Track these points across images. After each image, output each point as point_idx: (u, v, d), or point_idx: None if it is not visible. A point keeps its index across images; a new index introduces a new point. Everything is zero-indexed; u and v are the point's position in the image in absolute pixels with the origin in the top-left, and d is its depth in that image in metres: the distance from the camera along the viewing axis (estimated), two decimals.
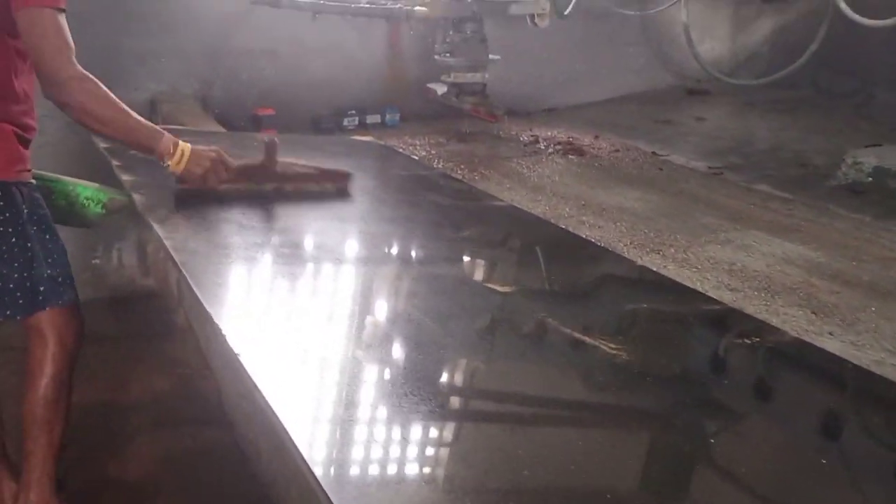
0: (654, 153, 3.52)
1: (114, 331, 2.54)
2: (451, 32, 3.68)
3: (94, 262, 2.76)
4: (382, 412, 1.17)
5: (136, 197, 1.88)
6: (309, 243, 2.04)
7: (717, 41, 4.97)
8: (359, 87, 4.00)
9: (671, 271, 2.11)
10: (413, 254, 1.97)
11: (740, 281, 2.05)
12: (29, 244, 1.49)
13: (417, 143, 3.56)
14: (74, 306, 1.59)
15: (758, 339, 1.57)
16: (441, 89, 3.71)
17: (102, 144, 2.23)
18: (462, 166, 3.14)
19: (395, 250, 1.98)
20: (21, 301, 1.49)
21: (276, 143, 1.89)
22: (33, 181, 1.54)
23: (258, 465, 1.94)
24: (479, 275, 1.94)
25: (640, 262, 2.16)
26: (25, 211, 1.49)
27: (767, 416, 1.30)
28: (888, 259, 2.23)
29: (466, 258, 2.10)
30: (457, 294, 1.76)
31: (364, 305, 1.73)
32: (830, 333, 1.74)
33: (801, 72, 4.30)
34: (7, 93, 1.48)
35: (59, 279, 1.55)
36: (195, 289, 1.52)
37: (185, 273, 1.62)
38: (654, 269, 2.07)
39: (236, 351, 1.22)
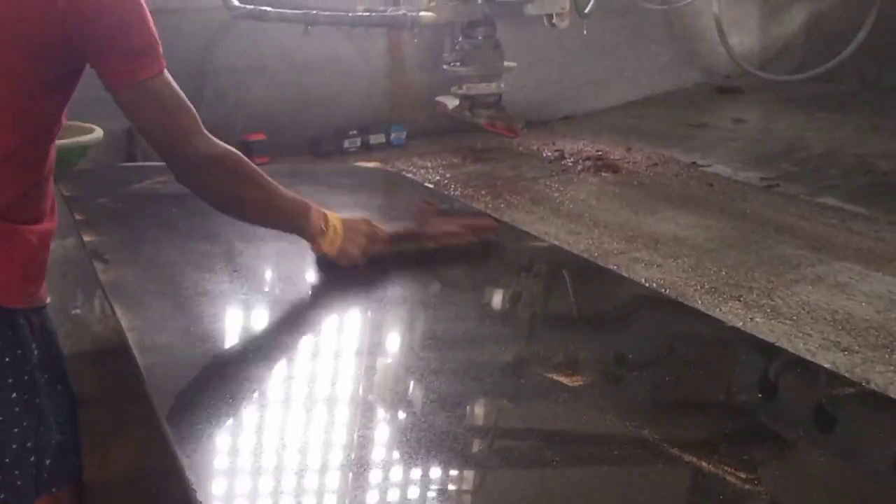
0: (694, 164, 3.11)
1: (97, 391, 2.18)
2: (460, 39, 3.28)
3: (73, 311, 2.45)
4: None
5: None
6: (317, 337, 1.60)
7: (747, 34, 4.56)
8: (359, 104, 3.60)
9: (761, 326, 1.70)
10: (441, 333, 1.53)
11: (850, 336, 1.65)
12: (37, 400, 1.11)
13: (429, 164, 3.16)
14: (79, 483, 1.23)
15: None
16: (452, 103, 3.30)
17: (66, 193, 1.88)
18: (483, 192, 2.74)
19: (412, 329, 1.54)
20: (20, 482, 1.09)
21: (434, 209, 1.71)
22: (47, 303, 1.14)
23: None
24: (529, 357, 1.50)
25: (718, 313, 1.75)
26: (36, 352, 1.09)
27: None
28: None
29: (508, 334, 1.65)
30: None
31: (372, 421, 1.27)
32: None
33: (843, 65, 3.89)
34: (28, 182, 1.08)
35: (68, 446, 1.17)
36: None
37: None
38: (741, 328, 1.66)
39: None
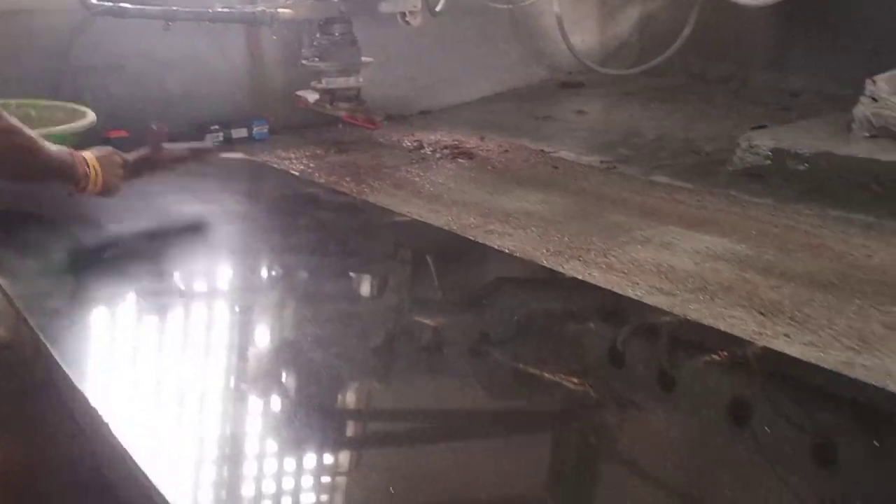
0: (542, 151, 3.36)
1: None
2: (318, 35, 3.41)
3: None
4: (271, 450, 1.09)
5: None
6: (190, 282, 1.75)
7: (587, 33, 4.88)
8: (220, 100, 3.66)
9: (597, 278, 1.93)
10: (308, 283, 1.70)
11: (672, 283, 1.90)
12: None
13: (292, 156, 3.27)
14: None
15: (724, 353, 1.40)
16: (313, 97, 3.42)
17: None
18: (347, 179, 2.88)
19: (286, 282, 1.71)
20: None
21: (166, 131, 1.94)
22: None
23: None
24: (393, 301, 1.69)
25: (560, 270, 1.98)
26: None
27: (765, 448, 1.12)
28: (815, 246, 2.13)
29: (372, 282, 1.86)
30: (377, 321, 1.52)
31: (246, 343, 1.48)
32: (786, 336, 1.59)
33: (672, 60, 4.27)
34: None
35: None
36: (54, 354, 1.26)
37: (40, 335, 1.38)
38: (581, 279, 1.89)
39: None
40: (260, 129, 3.64)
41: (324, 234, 1.96)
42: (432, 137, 3.57)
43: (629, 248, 2.14)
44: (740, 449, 1.15)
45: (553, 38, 4.66)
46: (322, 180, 2.87)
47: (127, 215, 1.83)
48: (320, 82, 3.40)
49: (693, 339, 1.50)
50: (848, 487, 1.06)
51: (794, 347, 1.53)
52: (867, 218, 2.36)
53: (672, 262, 2.02)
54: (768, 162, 2.82)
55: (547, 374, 1.29)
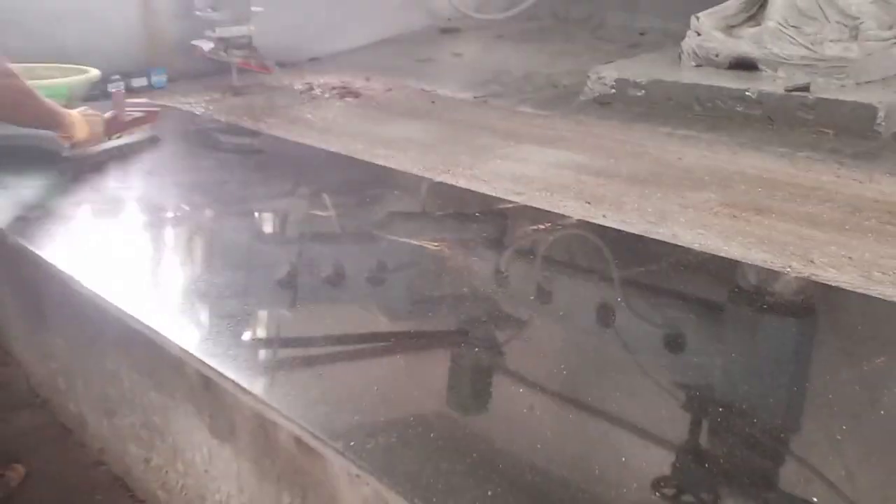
0: (423, 89, 3.74)
1: None
2: None
3: None
4: None
5: None
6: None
7: None
8: (118, 52, 3.88)
9: (463, 185, 2.33)
10: (220, 204, 2.07)
11: (524, 186, 2.32)
12: None
13: (192, 101, 3.54)
14: None
15: (549, 225, 1.84)
16: (207, 45, 3.70)
17: None
18: (245, 118, 3.19)
19: (198, 205, 2.07)
20: None
21: (123, 93, 2.53)
22: None
23: (84, 433, 1.98)
24: (294, 202, 2.08)
25: (435, 181, 2.38)
26: None
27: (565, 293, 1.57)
28: (638, 154, 2.59)
29: (271, 199, 2.24)
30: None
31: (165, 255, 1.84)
32: (604, 216, 2.03)
33: (540, 4, 4.70)
34: None
35: None
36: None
37: None
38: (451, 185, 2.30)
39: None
40: (159, 78, 3.88)
41: (232, 157, 2.32)
42: (321, 80, 3.90)
43: (491, 163, 2.55)
44: (561, 278, 1.59)
45: None
46: (222, 119, 3.17)
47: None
48: (214, 31, 3.68)
49: (532, 217, 1.95)
50: (635, 302, 1.52)
51: (608, 222, 1.98)
52: (688, 132, 2.85)
53: (524, 171, 2.45)
54: (613, 90, 3.28)
55: (415, 242, 1.71)
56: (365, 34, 4.83)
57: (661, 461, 1.09)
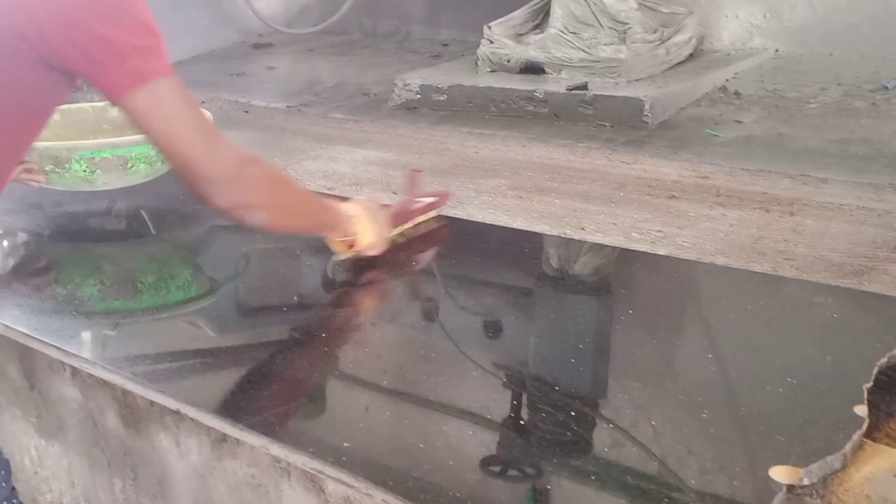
0: (236, 101, 3.84)
1: None
2: None
3: None
4: None
5: None
6: None
7: None
8: None
9: None
10: None
11: (334, 182, 2.49)
12: None
13: None
14: None
15: None
16: None
17: None
18: None
19: None
20: None
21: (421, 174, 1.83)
22: None
23: None
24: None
25: None
26: None
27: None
28: (440, 150, 2.83)
29: None
30: None
31: None
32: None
33: (348, 19, 4.90)
34: None
35: None
36: None
37: None
38: None
39: None
40: None
41: None
42: None
43: (304, 163, 2.71)
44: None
45: (239, 4, 5.11)
46: None
47: None
48: None
49: None
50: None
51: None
52: (485, 130, 3.12)
53: (335, 169, 2.62)
54: (418, 96, 3.52)
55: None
56: (175, 52, 4.81)
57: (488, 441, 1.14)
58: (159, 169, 2.05)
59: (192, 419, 1.26)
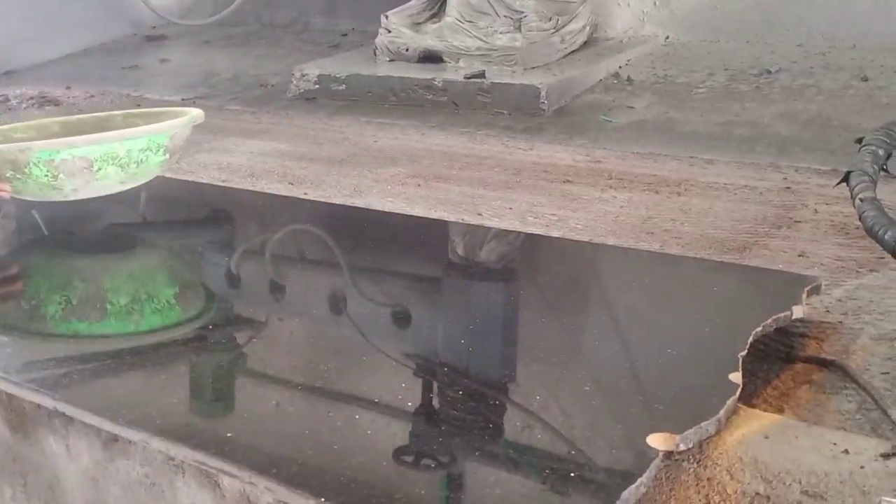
0: (128, 94, 3.74)
1: None
2: None
3: None
4: None
5: None
6: None
7: None
8: None
9: (170, 177, 2.42)
10: None
11: (229, 174, 2.46)
12: None
13: None
14: None
15: (261, 204, 2.01)
16: None
17: None
18: None
19: None
20: None
21: None
22: None
23: None
24: None
25: None
26: None
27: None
28: (338, 140, 2.82)
29: None
30: None
31: None
32: (305, 193, 2.23)
33: (245, 10, 4.81)
34: None
35: None
36: None
37: None
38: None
39: None
40: None
41: None
42: (18, 91, 3.77)
43: (198, 156, 2.66)
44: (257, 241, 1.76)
45: None
46: None
47: None
48: None
49: (236, 198, 2.11)
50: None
51: (308, 198, 2.17)
52: (384, 119, 3.12)
53: (230, 161, 2.58)
54: (317, 86, 3.49)
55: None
56: (64, 45, 4.70)
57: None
58: (136, 174, 1.86)
59: (80, 421, 1.22)
